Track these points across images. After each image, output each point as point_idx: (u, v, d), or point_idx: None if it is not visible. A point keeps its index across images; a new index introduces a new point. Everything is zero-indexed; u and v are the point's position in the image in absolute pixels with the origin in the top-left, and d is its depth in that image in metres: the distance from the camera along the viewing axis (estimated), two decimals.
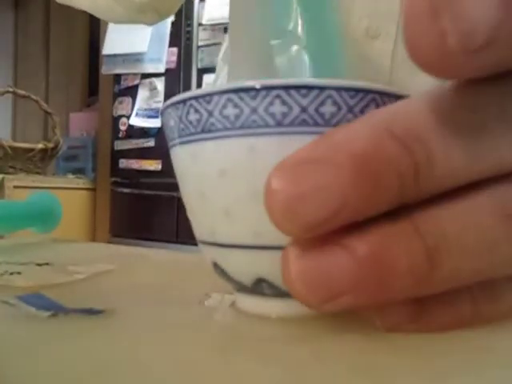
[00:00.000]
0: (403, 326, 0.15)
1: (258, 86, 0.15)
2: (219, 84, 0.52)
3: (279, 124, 0.15)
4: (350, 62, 0.40)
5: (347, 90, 0.14)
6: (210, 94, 0.15)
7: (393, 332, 0.15)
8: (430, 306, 0.15)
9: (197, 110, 0.16)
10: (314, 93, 0.14)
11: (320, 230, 0.12)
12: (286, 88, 0.14)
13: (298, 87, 0.14)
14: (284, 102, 0.14)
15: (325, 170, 0.12)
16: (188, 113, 0.16)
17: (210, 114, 0.15)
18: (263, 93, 0.15)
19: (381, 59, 0.39)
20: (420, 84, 0.14)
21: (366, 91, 0.15)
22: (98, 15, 0.51)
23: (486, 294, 0.15)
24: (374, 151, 0.12)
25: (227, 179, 0.16)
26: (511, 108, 0.12)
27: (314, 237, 0.12)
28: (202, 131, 0.16)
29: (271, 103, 0.15)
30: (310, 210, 0.12)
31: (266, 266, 0.16)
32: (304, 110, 0.14)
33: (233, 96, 0.15)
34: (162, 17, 0.51)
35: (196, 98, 0.16)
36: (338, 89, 0.14)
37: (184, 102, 0.16)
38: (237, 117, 0.15)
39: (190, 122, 0.16)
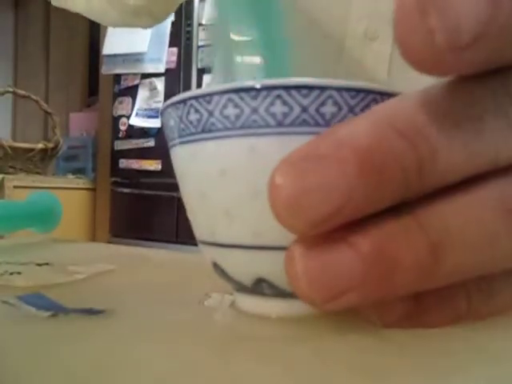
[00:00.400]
0: (400, 323, 0.15)
1: (258, 86, 0.15)
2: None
3: (280, 124, 0.15)
4: (347, 62, 0.40)
5: (348, 90, 0.14)
6: (211, 94, 0.15)
7: (390, 328, 0.15)
8: (427, 303, 0.15)
9: (197, 110, 0.16)
10: (315, 93, 0.14)
11: (324, 226, 0.12)
12: (287, 88, 0.14)
13: (298, 87, 0.14)
14: (285, 102, 0.14)
15: (329, 165, 0.12)
16: (188, 113, 0.16)
17: (211, 113, 0.15)
18: (264, 93, 0.15)
19: (378, 61, 0.39)
20: (416, 85, 0.14)
21: (367, 91, 0.15)
22: (93, 18, 0.51)
23: (480, 291, 0.15)
24: (378, 146, 0.12)
25: (227, 179, 0.16)
26: (505, 103, 0.12)
27: (318, 235, 0.12)
28: (203, 131, 0.16)
29: (272, 103, 0.15)
30: (315, 206, 0.12)
31: (267, 265, 0.16)
32: (305, 110, 0.14)
33: (233, 96, 0.15)
34: (157, 20, 0.51)
35: (196, 97, 0.16)
36: (339, 89, 0.14)
37: (184, 101, 0.16)
38: (237, 117, 0.15)
39: (191, 122, 0.16)
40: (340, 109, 0.14)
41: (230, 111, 0.15)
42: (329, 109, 0.14)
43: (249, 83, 0.15)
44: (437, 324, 0.15)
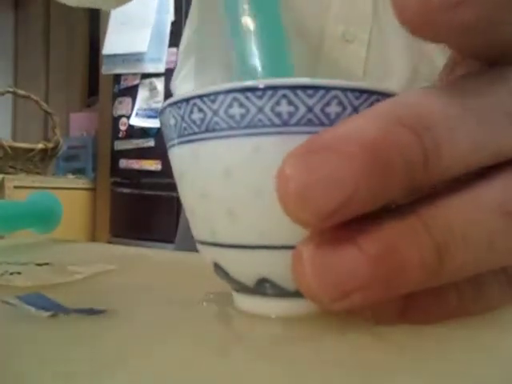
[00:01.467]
0: (393, 319, 0.15)
1: (264, 86, 0.15)
2: (183, 75, 0.53)
3: (285, 124, 0.15)
4: (325, 64, 0.41)
5: (352, 90, 0.14)
6: (216, 93, 0.15)
7: (382, 324, 0.15)
8: (419, 301, 0.15)
9: (201, 109, 0.16)
10: (320, 93, 0.14)
11: (331, 219, 0.12)
12: (293, 88, 0.14)
13: (304, 87, 0.14)
14: (290, 102, 0.14)
15: (336, 158, 0.12)
16: (191, 112, 0.16)
17: (215, 113, 0.15)
18: (269, 92, 0.15)
19: (354, 62, 0.40)
20: (389, 86, 0.14)
21: (371, 92, 0.15)
22: None
23: (471, 289, 0.15)
24: (384, 139, 0.12)
25: (232, 179, 0.16)
26: (505, 98, 0.13)
27: (326, 235, 0.13)
28: (206, 130, 0.16)
29: (278, 103, 0.15)
30: (323, 197, 0.12)
31: (270, 265, 0.16)
32: (310, 109, 0.14)
33: (239, 95, 0.15)
34: (120, 3, 0.54)
35: (200, 96, 0.15)
36: (344, 89, 0.14)
37: (187, 100, 0.16)
38: (242, 116, 0.15)
39: (193, 121, 0.16)
40: (344, 109, 0.15)
41: (236, 111, 0.15)
42: (334, 109, 0.14)
43: (254, 83, 0.15)
44: (428, 321, 0.15)
